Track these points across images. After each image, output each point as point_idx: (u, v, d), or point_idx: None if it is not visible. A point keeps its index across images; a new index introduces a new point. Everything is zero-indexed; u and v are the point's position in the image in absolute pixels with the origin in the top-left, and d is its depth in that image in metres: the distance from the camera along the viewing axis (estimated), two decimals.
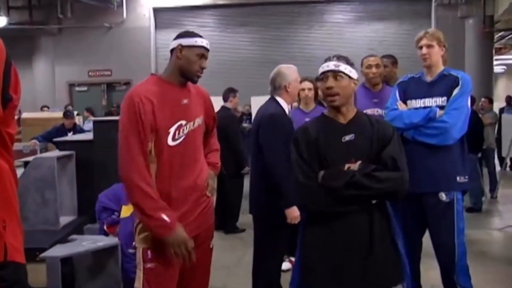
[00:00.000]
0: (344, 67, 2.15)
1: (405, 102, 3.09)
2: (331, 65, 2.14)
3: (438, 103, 2.97)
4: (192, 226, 2.27)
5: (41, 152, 6.12)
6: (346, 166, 2.08)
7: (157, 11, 13.23)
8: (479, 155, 7.10)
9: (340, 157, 2.12)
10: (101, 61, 13.12)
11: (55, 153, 4.04)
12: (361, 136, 2.14)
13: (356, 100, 3.78)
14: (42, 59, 13.20)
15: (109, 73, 13.31)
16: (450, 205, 2.95)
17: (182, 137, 2.24)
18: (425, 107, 2.99)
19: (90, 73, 13.45)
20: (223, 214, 5.85)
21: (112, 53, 13.00)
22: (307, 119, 3.79)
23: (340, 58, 2.18)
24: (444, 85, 2.99)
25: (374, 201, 2.11)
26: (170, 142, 2.21)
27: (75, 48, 13.11)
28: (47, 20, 13.08)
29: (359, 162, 2.08)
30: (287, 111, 3.19)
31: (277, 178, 2.98)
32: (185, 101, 2.28)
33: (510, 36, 14.85)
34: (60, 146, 4.26)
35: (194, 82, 2.31)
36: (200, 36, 2.29)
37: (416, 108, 3.03)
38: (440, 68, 3.06)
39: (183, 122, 2.25)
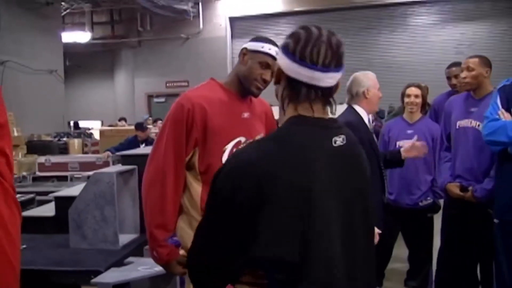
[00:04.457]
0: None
1: (509, 111, 2.56)
2: None
3: None
4: None
5: (113, 164, 6.11)
6: None
7: (233, 20, 13.20)
8: None
9: None
10: (178, 72, 13.27)
11: (116, 167, 3.88)
12: None
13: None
14: (123, 72, 13.63)
15: (185, 84, 13.42)
16: None
17: None
18: None
19: (167, 84, 13.67)
20: None
21: (189, 63, 13.11)
22: (409, 131, 3.45)
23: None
24: None
25: None
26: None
27: (154, 59, 13.41)
28: (128, 34, 13.52)
29: None
30: (366, 120, 2.81)
31: None
32: (245, 114, 1.98)
33: None
34: (124, 159, 4.10)
35: (254, 95, 1.98)
36: (275, 44, 1.92)
37: None
38: None
39: (243, 139, 1.94)
